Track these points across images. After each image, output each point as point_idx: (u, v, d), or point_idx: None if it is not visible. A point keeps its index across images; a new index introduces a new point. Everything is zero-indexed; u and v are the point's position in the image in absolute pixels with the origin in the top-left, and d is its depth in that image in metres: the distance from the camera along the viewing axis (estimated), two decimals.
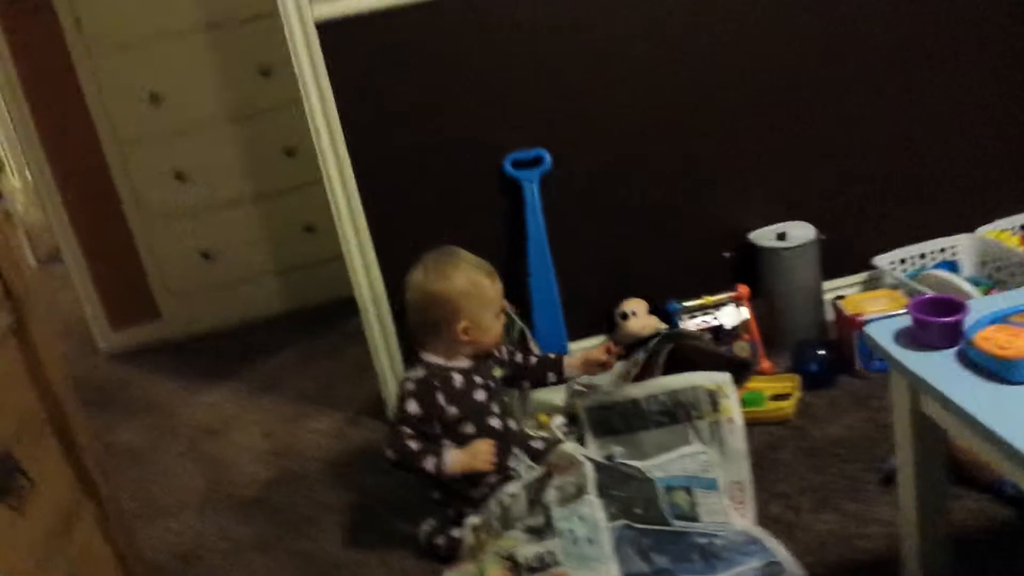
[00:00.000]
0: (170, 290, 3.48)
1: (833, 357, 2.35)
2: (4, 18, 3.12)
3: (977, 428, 1.16)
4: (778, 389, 2.33)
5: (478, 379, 2.02)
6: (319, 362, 3.08)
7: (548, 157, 2.43)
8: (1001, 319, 1.28)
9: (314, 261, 3.44)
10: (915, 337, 1.35)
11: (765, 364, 2.45)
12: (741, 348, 2.46)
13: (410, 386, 1.98)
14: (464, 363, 2.01)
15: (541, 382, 2.18)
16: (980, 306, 1.35)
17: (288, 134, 3.14)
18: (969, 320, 1.31)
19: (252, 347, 3.29)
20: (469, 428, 1.98)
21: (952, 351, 1.31)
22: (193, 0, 3.17)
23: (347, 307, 2.53)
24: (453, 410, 1.96)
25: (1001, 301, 1.34)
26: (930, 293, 2.33)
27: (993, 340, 1.23)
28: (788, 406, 2.24)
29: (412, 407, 1.95)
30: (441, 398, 1.96)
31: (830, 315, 2.55)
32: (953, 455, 1.68)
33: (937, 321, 1.31)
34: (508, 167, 2.43)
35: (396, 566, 1.99)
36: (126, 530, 1.70)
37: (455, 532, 1.96)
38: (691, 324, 2.47)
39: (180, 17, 3.17)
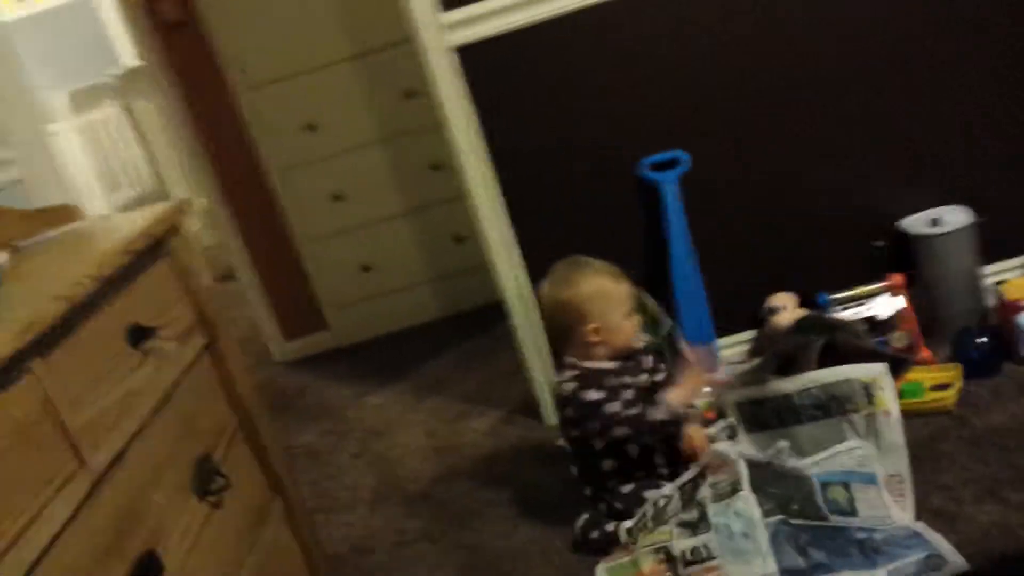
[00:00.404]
0: (335, 302, 3.72)
1: (995, 344, 2.28)
2: (179, 72, 3.45)
3: None
4: (938, 379, 2.27)
5: (628, 379, 2.08)
6: (474, 365, 3.22)
7: (686, 158, 2.46)
8: None
9: (464, 269, 3.58)
10: None
11: (924, 353, 2.39)
12: (898, 339, 2.41)
13: (571, 385, 2.07)
14: (608, 364, 2.09)
15: None
16: None
17: (433, 151, 3.30)
18: None
19: (412, 353, 3.46)
20: (622, 430, 2.04)
21: None
22: (340, 34, 3.40)
23: (498, 311, 2.65)
24: (628, 393, 2.04)
25: None
26: None
27: None
28: (949, 396, 2.18)
29: (592, 395, 2.04)
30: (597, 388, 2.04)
31: (991, 301, 2.46)
32: None
33: None
34: (646, 171, 2.47)
35: (555, 558, 2.08)
36: (309, 524, 1.86)
37: (608, 526, 2.03)
38: (844, 314, 2.44)
39: (329, 51, 3.42)
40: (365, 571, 2.24)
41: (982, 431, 2.07)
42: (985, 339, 2.29)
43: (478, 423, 2.80)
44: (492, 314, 2.76)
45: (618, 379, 2.07)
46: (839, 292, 2.47)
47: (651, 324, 2.46)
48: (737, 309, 2.58)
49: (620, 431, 2.01)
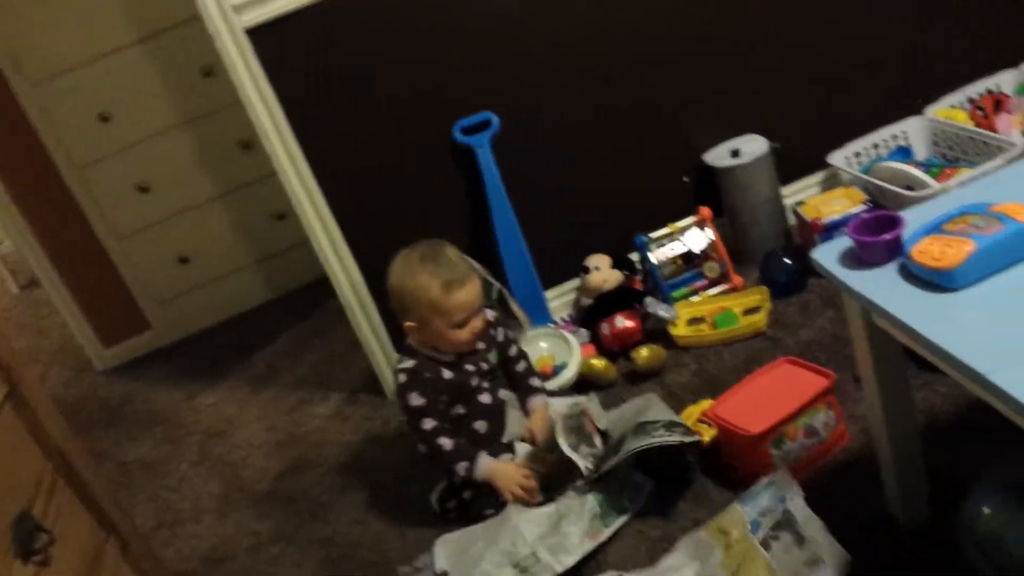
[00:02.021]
0: (154, 299, 3.52)
1: (799, 263, 2.42)
2: None
3: (919, 339, 1.23)
4: (749, 303, 2.40)
5: (469, 366, 2.05)
6: (311, 345, 3.15)
7: (495, 119, 2.45)
8: (936, 229, 1.33)
9: (289, 246, 3.48)
10: (858, 257, 1.41)
11: (736, 280, 2.52)
12: (711, 269, 2.53)
13: (403, 378, 2.02)
14: (445, 356, 2.04)
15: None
16: (918, 216, 1.41)
17: (240, 128, 3.15)
18: (906, 233, 1.37)
19: (244, 341, 3.34)
20: (460, 409, 2.05)
21: (894, 265, 1.37)
22: (122, 17, 3.16)
23: (330, 286, 2.58)
24: (444, 397, 2.03)
25: (934, 211, 1.39)
26: (883, 184, 2.39)
27: (928, 252, 1.29)
28: (760, 319, 2.31)
29: (415, 400, 2.00)
30: (432, 387, 2.01)
31: (792, 222, 2.60)
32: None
33: (874, 241, 1.37)
34: (458, 134, 2.45)
35: (413, 536, 2.08)
36: (148, 555, 1.78)
37: (465, 494, 2.04)
38: (660, 253, 2.53)
39: (113, 37, 3.17)
40: None
41: (794, 348, 2.20)
42: (789, 260, 2.43)
43: (320, 408, 2.74)
44: (324, 289, 2.69)
45: (458, 369, 2.04)
46: (654, 231, 2.55)
47: (482, 288, 2.47)
48: (560, 260, 2.62)
49: (438, 449, 2.00)
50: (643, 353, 2.30)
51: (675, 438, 1.83)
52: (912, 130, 2.66)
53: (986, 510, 1.37)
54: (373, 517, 2.20)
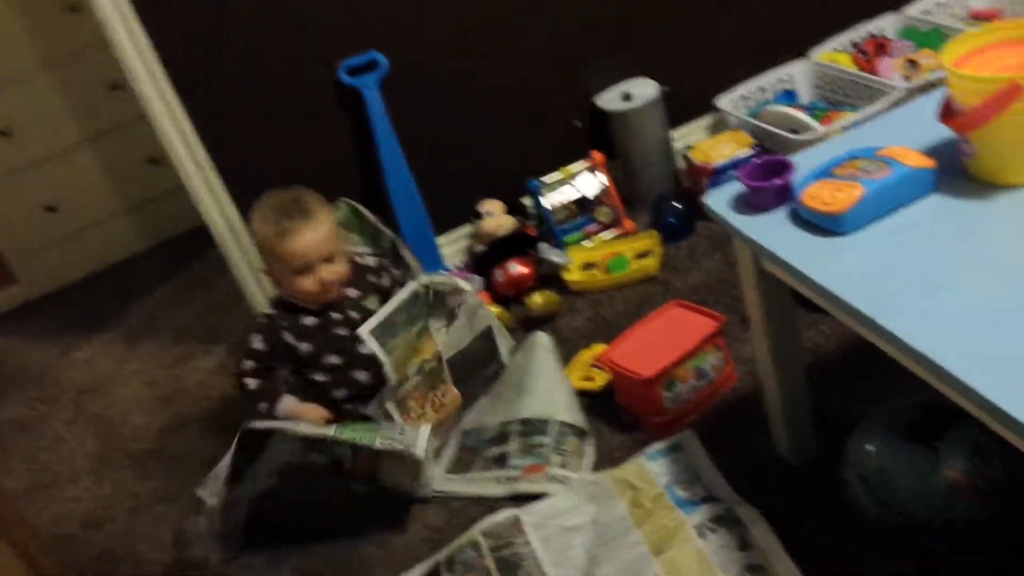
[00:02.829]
0: (21, 251, 3.30)
1: (688, 207, 2.43)
2: None
3: (809, 284, 1.24)
4: (640, 248, 2.41)
5: (335, 314, 1.99)
6: (192, 296, 3.01)
7: (383, 60, 2.36)
8: (825, 174, 1.34)
9: (165, 192, 3.30)
10: (749, 201, 1.41)
11: (628, 225, 2.52)
12: (604, 214, 2.52)
13: (260, 320, 2.00)
14: (308, 305, 1.98)
15: None
16: (807, 161, 1.41)
17: (109, 68, 2.94)
18: (796, 178, 1.37)
19: (119, 293, 3.17)
20: (334, 359, 1.98)
21: (784, 210, 1.37)
22: None
23: (210, 234, 2.45)
24: (305, 347, 1.96)
25: (823, 155, 1.40)
26: (770, 128, 2.41)
27: (818, 197, 1.30)
28: (651, 263, 2.32)
29: (256, 343, 1.97)
30: (289, 336, 1.96)
31: (681, 165, 2.61)
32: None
33: (764, 185, 1.37)
34: (344, 76, 2.35)
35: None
36: (19, 520, 1.67)
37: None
38: (553, 198, 2.51)
39: None
40: (101, 546, 2.08)
41: (683, 291, 2.22)
42: (678, 204, 2.45)
43: (204, 362, 2.64)
44: (204, 237, 2.55)
45: (323, 317, 1.97)
46: (547, 176, 2.52)
47: (372, 237, 2.40)
48: (452, 206, 2.57)
49: (245, 386, 1.97)
50: (537, 299, 2.29)
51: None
52: (797, 73, 2.69)
53: (871, 448, 1.41)
54: None
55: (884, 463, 1.38)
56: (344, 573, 1.79)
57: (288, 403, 1.96)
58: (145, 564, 1.98)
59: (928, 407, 1.42)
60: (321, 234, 1.91)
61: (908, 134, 1.40)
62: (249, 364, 1.97)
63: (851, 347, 1.85)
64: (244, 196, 2.37)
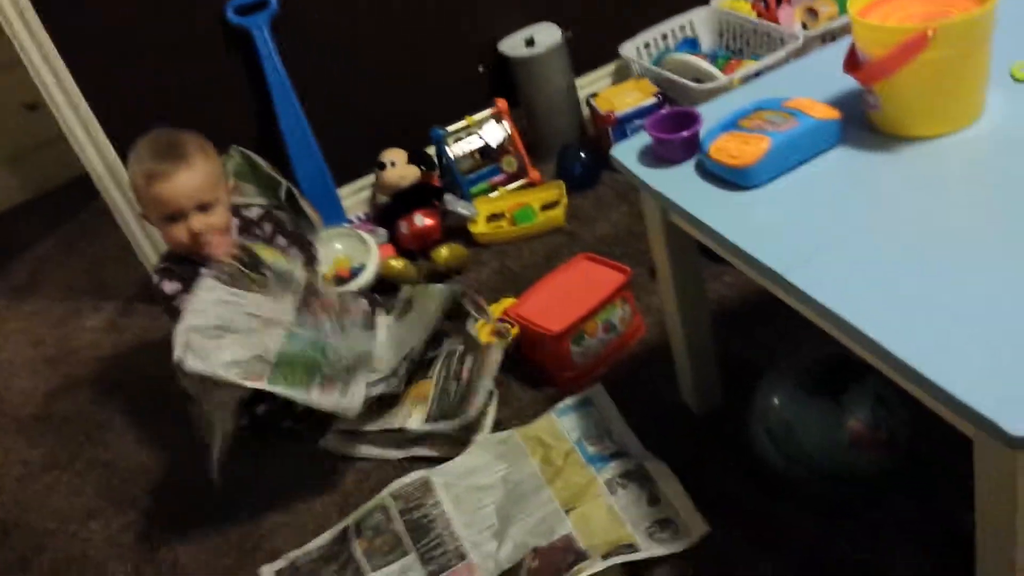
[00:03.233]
0: None
1: (594, 157, 2.42)
2: None
3: (717, 238, 1.23)
4: (546, 198, 2.38)
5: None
6: (78, 250, 2.86)
7: None
8: (732, 126, 1.33)
9: (46, 140, 3.10)
10: (657, 153, 1.39)
11: (533, 174, 2.49)
12: (508, 163, 2.48)
13: (155, 277, 1.85)
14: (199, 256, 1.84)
15: None
16: (714, 111, 1.40)
17: None
18: (703, 130, 1.36)
19: (0, 247, 3.00)
20: None
21: (691, 163, 1.36)
22: None
23: (93, 185, 2.32)
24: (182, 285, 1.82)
25: (729, 106, 1.39)
26: (673, 77, 2.40)
27: (725, 150, 1.29)
28: (557, 214, 2.30)
29: (168, 287, 1.82)
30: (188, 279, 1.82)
31: (586, 114, 2.59)
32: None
33: (672, 138, 1.35)
34: (231, 15, 2.23)
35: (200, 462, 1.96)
36: None
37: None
38: (458, 147, 2.45)
39: None
40: None
41: (591, 242, 2.21)
42: (584, 154, 2.43)
43: (92, 319, 2.51)
44: (88, 188, 2.42)
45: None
46: (451, 124, 2.46)
47: (268, 187, 2.30)
48: (354, 155, 2.49)
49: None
50: (443, 252, 2.25)
51: None
52: (698, 21, 2.68)
53: (776, 400, 1.43)
54: (158, 437, 2.05)
55: (789, 416, 1.40)
56: (248, 539, 1.74)
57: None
58: (37, 534, 1.89)
59: (832, 360, 1.44)
60: (195, 180, 1.76)
61: (813, 84, 1.40)
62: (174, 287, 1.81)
63: (756, 299, 1.87)
64: (126, 142, 2.23)
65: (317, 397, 1.68)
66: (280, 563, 1.67)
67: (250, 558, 1.70)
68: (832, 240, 1.14)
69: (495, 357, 1.84)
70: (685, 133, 1.35)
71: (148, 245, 2.38)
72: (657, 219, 1.46)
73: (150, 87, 2.24)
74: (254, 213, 2.00)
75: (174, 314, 1.77)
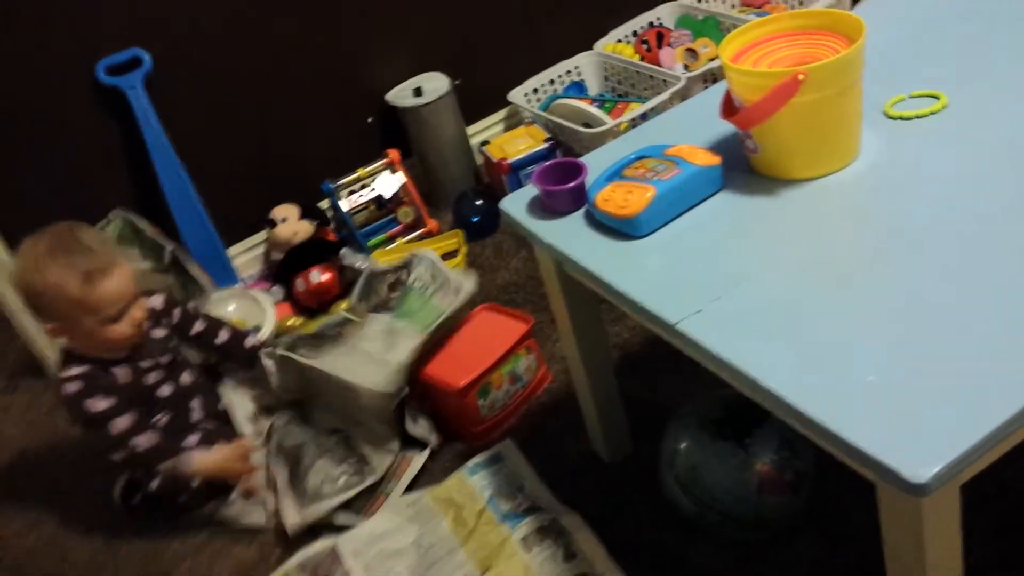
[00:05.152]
0: None
1: (490, 203, 2.41)
2: None
3: (609, 289, 1.22)
4: (446, 247, 2.36)
5: (146, 363, 1.81)
6: None
7: (147, 57, 2.18)
8: (617, 176, 1.33)
9: None
10: (545, 204, 1.38)
11: (431, 224, 2.47)
12: (405, 214, 2.45)
13: (75, 387, 1.72)
14: (117, 354, 1.78)
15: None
16: (597, 163, 1.40)
17: None
18: (590, 180, 1.35)
19: None
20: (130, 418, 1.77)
21: (581, 213, 1.35)
22: None
23: None
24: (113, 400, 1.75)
25: (614, 154, 1.39)
26: (562, 122, 2.42)
27: (612, 200, 1.28)
28: (457, 263, 2.28)
29: (99, 404, 1.72)
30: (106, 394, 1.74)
31: (479, 161, 2.59)
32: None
33: (559, 189, 1.35)
34: (103, 75, 2.15)
35: (97, 536, 1.87)
36: None
37: (152, 484, 1.84)
38: (351, 200, 2.42)
39: None
40: None
41: (493, 291, 2.19)
42: (480, 201, 2.42)
43: None
44: None
45: (134, 369, 1.79)
46: (343, 177, 2.43)
47: (152, 251, 2.23)
48: (243, 213, 2.42)
49: (135, 451, 1.74)
50: (342, 308, 2.19)
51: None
52: (584, 65, 2.72)
53: (682, 445, 1.42)
54: (49, 518, 1.95)
55: (695, 461, 1.40)
56: None
57: (198, 456, 1.75)
58: None
59: (735, 404, 1.44)
60: (127, 272, 1.69)
61: (695, 129, 1.42)
62: (122, 422, 1.72)
63: (660, 341, 1.85)
64: (3, 215, 2.15)
65: None
66: None
67: None
68: (721, 286, 1.14)
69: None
70: (571, 184, 1.34)
71: (28, 319, 2.26)
72: (552, 269, 1.45)
73: (23, 155, 2.14)
74: (155, 301, 1.90)
75: (106, 435, 1.72)
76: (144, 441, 1.74)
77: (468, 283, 1.87)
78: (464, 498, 1.65)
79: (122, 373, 1.77)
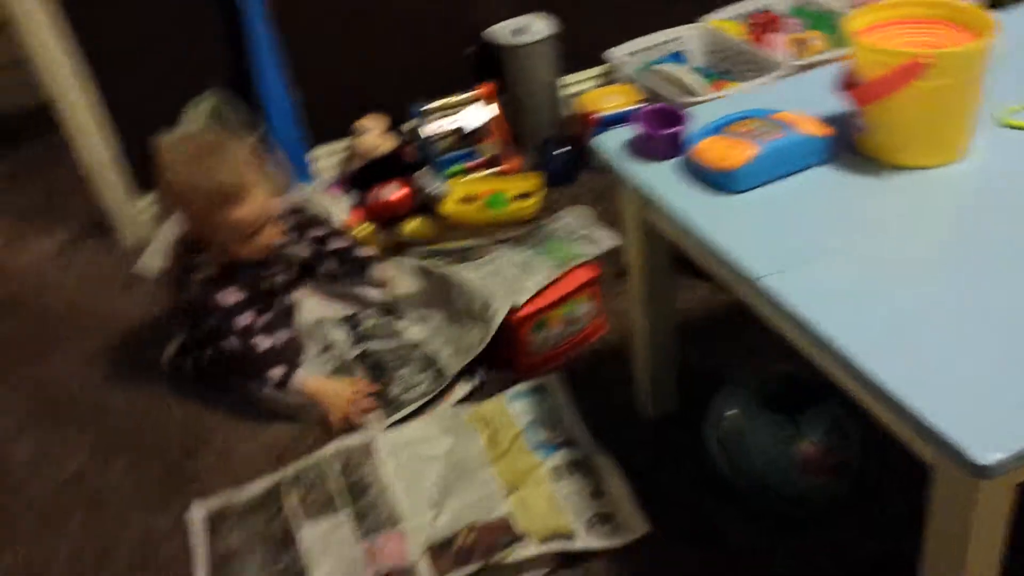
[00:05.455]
0: None
1: (574, 154, 2.41)
2: None
3: (694, 237, 1.23)
4: (521, 188, 2.37)
5: (267, 270, 1.85)
6: (32, 177, 2.78)
7: None
8: (721, 129, 1.33)
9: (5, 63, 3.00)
10: (641, 148, 1.39)
11: (510, 163, 2.48)
12: (487, 148, 2.47)
13: (205, 274, 1.73)
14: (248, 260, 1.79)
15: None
16: (701, 115, 1.40)
17: None
18: (691, 130, 1.36)
19: None
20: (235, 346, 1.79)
21: (676, 161, 1.36)
22: None
23: (48, 114, 2.25)
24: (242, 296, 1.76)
25: (721, 109, 1.39)
26: (658, 87, 2.41)
27: (711, 152, 1.29)
28: (530, 205, 2.29)
29: (231, 296, 1.73)
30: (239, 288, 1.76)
31: (568, 112, 2.58)
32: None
33: (660, 133, 1.35)
34: None
35: (138, 391, 1.93)
36: None
37: (207, 352, 1.88)
38: (437, 125, 2.44)
39: None
40: None
41: None
42: (564, 149, 2.42)
43: (39, 244, 2.44)
44: (43, 116, 2.34)
45: (255, 272, 1.81)
46: (434, 101, 2.44)
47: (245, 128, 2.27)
48: (330, 118, 2.45)
49: (254, 350, 1.75)
50: (411, 225, 2.23)
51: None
52: (688, 37, 2.69)
53: (732, 410, 1.44)
54: (95, 367, 2.01)
55: (742, 427, 1.41)
56: (178, 477, 1.71)
57: (310, 377, 1.75)
58: None
59: (793, 380, 1.45)
60: (261, 196, 1.70)
61: (800, 103, 1.41)
62: (246, 318, 1.74)
63: (722, 315, 1.89)
64: (101, 69, 2.20)
65: None
66: (213, 502, 1.64)
67: (178, 493, 1.67)
68: (809, 253, 1.14)
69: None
70: (673, 130, 1.35)
71: (109, 178, 2.32)
72: (634, 215, 1.46)
73: (128, 16, 2.18)
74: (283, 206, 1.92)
75: (229, 328, 1.73)
76: (263, 343, 1.76)
77: (609, 238, 1.92)
78: (502, 421, 1.68)
79: (247, 275, 1.80)
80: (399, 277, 1.97)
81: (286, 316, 1.92)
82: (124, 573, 1.55)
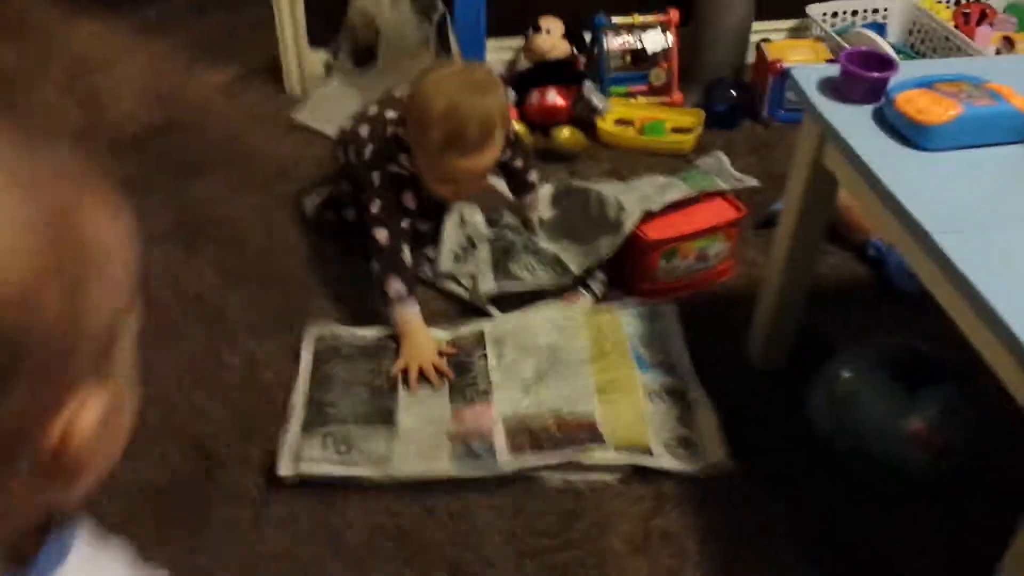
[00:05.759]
0: None
1: (743, 100, 2.35)
2: None
3: (878, 188, 1.18)
4: (681, 122, 2.32)
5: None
6: (214, 12, 2.85)
7: None
8: (928, 84, 1.27)
9: None
10: (837, 88, 1.34)
11: (676, 95, 2.43)
12: (656, 76, 2.42)
13: (396, 170, 1.73)
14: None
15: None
16: (910, 68, 1.34)
17: None
18: (895, 80, 1.30)
19: None
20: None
21: (871, 108, 1.30)
22: None
23: None
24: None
25: (934, 67, 1.33)
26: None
27: (913, 103, 1.23)
28: (687, 140, 2.24)
29: (408, 200, 1.74)
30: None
31: (751, 58, 2.51)
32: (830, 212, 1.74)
33: (867, 75, 1.30)
34: None
35: (277, 229, 1.98)
36: None
37: (348, 214, 1.92)
38: (615, 41, 2.39)
39: None
40: None
41: None
42: (734, 92, 2.35)
43: (212, 76, 2.51)
44: None
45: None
46: (617, 16, 2.40)
47: (424, 10, 2.28)
48: (511, 12, 2.43)
49: (380, 240, 1.70)
50: (564, 133, 2.21)
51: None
52: (894, 10, 2.57)
53: (849, 371, 1.40)
54: (240, 201, 2.07)
55: (857, 388, 1.37)
56: (293, 313, 1.76)
57: (411, 314, 1.65)
58: None
59: (918, 355, 1.40)
60: (488, 159, 1.67)
61: (1014, 79, 1.33)
62: (377, 204, 1.70)
63: (854, 286, 1.84)
64: None
65: None
66: (324, 329, 1.69)
67: (288, 326, 1.72)
68: (992, 222, 1.09)
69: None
70: (879, 73, 1.29)
71: (290, 27, 2.37)
72: (808, 155, 1.41)
73: None
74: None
75: (389, 217, 1.70)
76: (406, 256, 1.69)
77: (750, 178, 1.93)
78: (611, 327, 1.68)
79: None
80: (544, 203, 1.96)
81: (437, 230, 1.88)
82: (227, 390, 1.62)
